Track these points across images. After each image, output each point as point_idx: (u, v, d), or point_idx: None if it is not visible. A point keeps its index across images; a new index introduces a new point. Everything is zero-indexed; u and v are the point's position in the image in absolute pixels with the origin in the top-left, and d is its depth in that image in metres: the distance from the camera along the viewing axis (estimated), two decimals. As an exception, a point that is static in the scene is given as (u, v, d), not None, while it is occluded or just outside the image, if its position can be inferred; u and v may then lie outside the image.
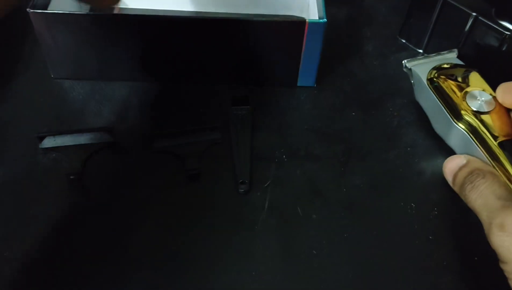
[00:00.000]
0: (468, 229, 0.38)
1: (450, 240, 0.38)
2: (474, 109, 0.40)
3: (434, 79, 0.43)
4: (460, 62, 0.45)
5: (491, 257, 0.36)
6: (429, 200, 0.40)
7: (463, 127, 0.40)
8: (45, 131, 0.43)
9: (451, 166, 0.38)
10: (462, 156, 0.39)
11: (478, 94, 0.41)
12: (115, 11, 0.52)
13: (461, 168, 0.37)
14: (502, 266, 0.31)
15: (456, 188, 0.38)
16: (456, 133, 0.40)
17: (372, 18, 0.58)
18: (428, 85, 0.43)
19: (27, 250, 0.36)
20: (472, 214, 0.40)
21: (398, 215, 0.39)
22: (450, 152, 0.42)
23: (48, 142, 0.42)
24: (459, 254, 0.37)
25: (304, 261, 0.36)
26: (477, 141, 0.39)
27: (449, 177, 0.39)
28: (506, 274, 0.30)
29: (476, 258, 0.37)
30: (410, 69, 0.45)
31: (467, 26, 0.46)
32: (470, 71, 0.43)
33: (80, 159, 0.41)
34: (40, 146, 0.42)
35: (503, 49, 0.43)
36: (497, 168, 0.37)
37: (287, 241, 0.37)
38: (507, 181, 0.36)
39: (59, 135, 0.42)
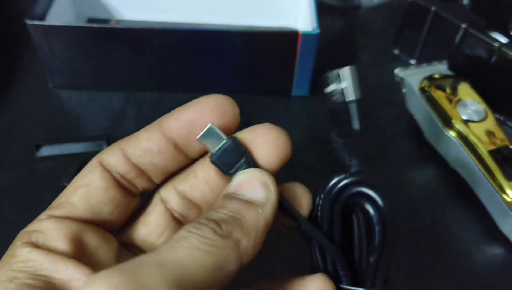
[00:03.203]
0: (461, 236, 0.39)
1: (443, 247, 0.38)
2: (465, 118, 0.41)
3: (426, 88, 0.44)
4: (451, 73, 0.46)
5: (483, 263, 0.37)
6: (421, 207, 0.41)
7: (453, 135, 0.40)
8: (43, 139, 0.43)
9: None
10: None
11: (468, 104, 0.42)
12: (112, 24, 0.53)
13: None
14: None
15: None
16: (447, 141, 0.41)
17: (367, 29, 0.59)
18: (419, 94, 0.44)
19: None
20: (465, 221, 0.40)
21: (390, 223, 0.40)
22: (441, 160, 0.43)
23: (45, 151, 0.43)
24: (452, 261, 0.37)
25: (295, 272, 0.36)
26: (467, 149, 0.39)
27: None
28: None
29: (469, 265, 0.37)
30: (402, 79, 0.46)
31: (458, 38, 0.47)
32: (460, 82, 0.44)
33: (77, 167, 0.41)
34: (37, 155, 0.42)
35: (493, 60, 0.44)
36: (487, 176, 0.38)
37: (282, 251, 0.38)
38: (498, 190, 0.37)
39: (56, 144, 0.43)
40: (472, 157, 0.39)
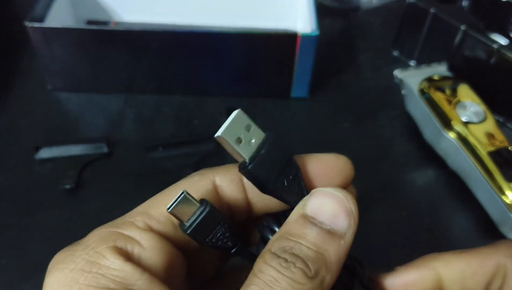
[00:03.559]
0: (461, 237, 0.39)
1: (442, 248, 0.38)
2: (464, 120, 0.41)
3: (425, 89, 0.44)
4: (450, 74, 0.46)
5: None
6: (420, 209, 0.41)
7: (453, 136, 0.40)
8: (42, 141, 0.43)
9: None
10: None
11: (468, 105, 0.42)
12: (111, 26, 0.53)
13: None
14: None
15: None
16: (446, 143, 0.41)
17: (366, 30, 0.59)
18: (419, 95, 0.44)
19: (23, 258, 0.36)
20: (465, 223, 0.40)
21: (390, 224, 0.40)
22: (440, 161, 0.43)
23: (44, 153, 0.43)
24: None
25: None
26: (466, 150, 0.39)
27: None
28: None
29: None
30: (401, 80, 0.46)
31: (457, 39, 0.47)
32: (460, 83, 0.44)
33: (76, 169, 0.41)
34: (36, 157, 0.42)
35: (491, 61, 0.44)
36: (486, 178, 0.38)
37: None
38: (498, 191, 0.37)
39: (55, 146, 0.43)
40: (472, 158, 0.39)
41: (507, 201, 0.36)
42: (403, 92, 0.46)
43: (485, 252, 0.21)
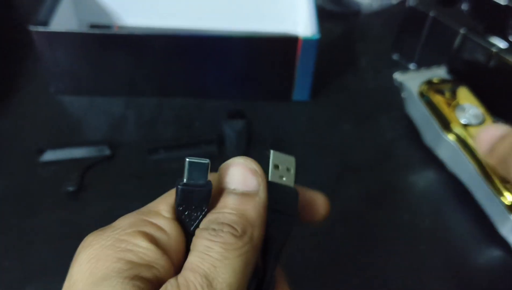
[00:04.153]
0: (460, 238, 0.39)
1: (442, 249, 0.39)
2: (463, 122, 0.41)
3: (424, 92, 0.44)
4: (449, 77, 0.46)
5: (482, 265, 0.37)
6: (420, 211, 0.41)
7: (452, 139, 0.41)
8: (44, 144, 0.43)
9: (487, 136, 0.36)
10: (501, 125, 0.37)
11: (467, 108, 0.42)
12: (114, 30, 0.53)
13: (503, 139, 0.35)
14: None
15: (493, 160, 0.36)
16: (445, 145, 0.41)
17: (366, 34, 0.59)
18: (419, 98, 0.44)
19: (25, 261, 0.36)
20: (464, 224, 0.40)
21: (391, 226, 0.40)
22: (440, 163, 0.43)
23: (48, 156, 0.43)
24: (451, 263, 0.38)
25: (297, 273, 0.37)
26: (465, 153, 0.40)
27: (484, 148, 0.36)
28: None
29: (469, 267, 0.37)
30: (401, 83, 0.46)
31: (456, 43, 0.47)
32: (459, 86, 0.44)
33: (78, 171, 0.42)
34: (39, 160, 0.43)
35: (491, 64, 0.45)
36: (485, 180, 0.38)
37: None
38: (496, 193, 0.37)
39: (58, 149, 0.43)
40: (471, 160, 0.39)
41: (506, 202, 0.36)
42: (403, 95, 0.47)
43: None
